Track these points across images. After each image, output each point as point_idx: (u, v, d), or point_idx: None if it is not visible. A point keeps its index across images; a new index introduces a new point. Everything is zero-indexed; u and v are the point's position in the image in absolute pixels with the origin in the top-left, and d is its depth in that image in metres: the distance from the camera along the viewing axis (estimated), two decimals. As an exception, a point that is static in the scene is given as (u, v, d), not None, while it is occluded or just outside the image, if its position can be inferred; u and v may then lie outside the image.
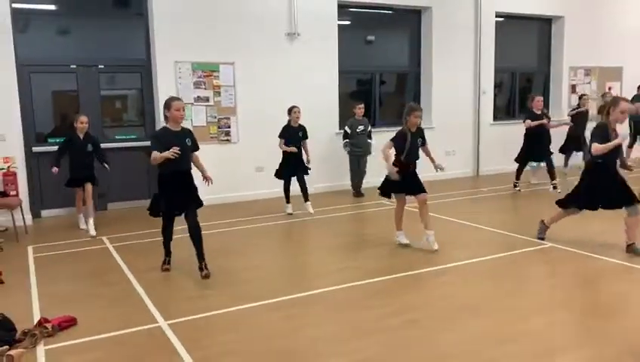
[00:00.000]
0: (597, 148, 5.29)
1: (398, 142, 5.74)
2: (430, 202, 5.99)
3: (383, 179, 6.01)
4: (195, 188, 5.19)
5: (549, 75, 12.46)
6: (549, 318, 4.05)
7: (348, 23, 10.09)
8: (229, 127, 8.87)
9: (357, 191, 9.20)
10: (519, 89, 12.24)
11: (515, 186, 9.25)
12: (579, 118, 10.52)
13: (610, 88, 12.58)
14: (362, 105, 9.16)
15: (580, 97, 11.00)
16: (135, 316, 4.25)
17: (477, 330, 3.87)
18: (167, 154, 4.80)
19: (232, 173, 8.63)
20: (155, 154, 4.91)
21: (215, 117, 8.75)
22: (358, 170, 9.20)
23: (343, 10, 9.78)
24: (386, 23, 10.65)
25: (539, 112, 9.07)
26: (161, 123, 8.23)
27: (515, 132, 10.76)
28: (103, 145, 7.55)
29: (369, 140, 9.05)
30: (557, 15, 11.96)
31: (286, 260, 6.05)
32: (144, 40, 8.48)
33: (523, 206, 8.46)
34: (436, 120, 10.56)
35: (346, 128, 9.06)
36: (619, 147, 5.49)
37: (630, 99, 11.37)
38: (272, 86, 8.96)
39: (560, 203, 5.91)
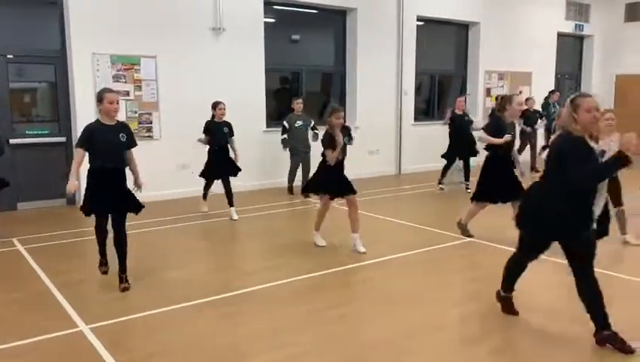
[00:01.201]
0: (485, 138, 5.91)
1: (324, 139, 5.67)
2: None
3: (309, 179, 5.99)
4: (129, 190, 4.81)
5: (465, 78, 13.07)
6: (466, 309, 4.26)
7: (273, 20, 10.06)
8: (151, 123, 8.57)
9: (291, 189, 9.19)
10: (438, 91, 12.77)
11: (439, 184, 9.54)
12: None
13: (521, 92, 13.39)
14: (301, 101, 9.14)
15: (527, 100, 11.68)
16: (54, 321, 4.00)
17: (401, 322, 4.00)
18: (68, 185, 4.53)
19: (154, 170, 8.22)
20: (75, 160, 4.62)
21: (136, 112, 8.43)
22: (297, 169, 9.15)
23: (268, 7, 9.73)
24: (312, 22, 10.73)
25: (460, 113, 9.48)
26: (78, 118, 7.91)
27: (435, 133, 11.23)
28: (11, 141, 7.04)
29: (315, 131, 8.85)
30: (473, 21, 12.57)
31: (214, 259, 5.94)
32: (58, 29, 8.01)
33: (444, 203, 8.82)
34: (360, 119, 10.77)
35: (285, 123, 9.00)
36: (511, 144, 5.95)
37: (541, 104, 12.20)
38: (196, 81, 8.76)
39: (473, 198, 6.28)
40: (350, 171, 6.08)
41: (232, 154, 7.50)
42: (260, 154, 9.52)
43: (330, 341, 3.73)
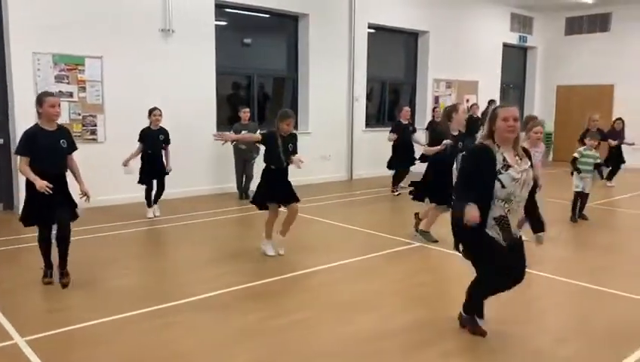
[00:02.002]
0: (427, 150, 6.27)
1: (267, 140, 5.55)
2: (308, 205, 6.07)
3: (255, 189, 5.83)
4: (69, 195, 4.63)
5: (415, 85, 13.30)
6: (417, 314, 4.28)
7: (225, 23, 9.93)
8: (96, 126, 8.27)
9: (244, 194, 9.05)
10: (389, 98, 12.95)
11: (393, 192, 9.68)
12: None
13: (468, 100, 13.77)
14: (247, 110, 9.06)
15: (472, 106, 12.00)
16: (-16, 334, 3.76)
17: (353, 328, 3.98)
18: (38, 186, 4.30)
19: (98, 174, 7.96)
20: (24, 168, 4.41)
21: (79, 114, 8.11)
22: (243, 173, 9.09)
23: (220, 10, 9.60)
24: (264, 26, 10.66)
25: (406, 122, 9.64)
26: (17, 120, 7.53)
27: (385, 139, 11.37)
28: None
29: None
30: (423, 30, 12.83)
31: (158, 267, 5.74)
32: (-4, 26, 7.63)
33: (394, 208, 8.92)
34: (312, 124, 10.78)
35: (232, 132, 8.88)
36: (453, 151, 6.15)
37: (481, 113, 12.52)
38: (144, 84, 8.52)
39: (414, 197, 6.48)
40: (301, 177, 6.05)
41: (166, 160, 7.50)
42: (211, 158, 9.37)
43: (280, 350, 3.66)
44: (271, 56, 10.92)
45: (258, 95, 10.64)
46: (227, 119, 10.04)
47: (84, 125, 8.15)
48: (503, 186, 3.41)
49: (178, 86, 8.79)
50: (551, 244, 6.39)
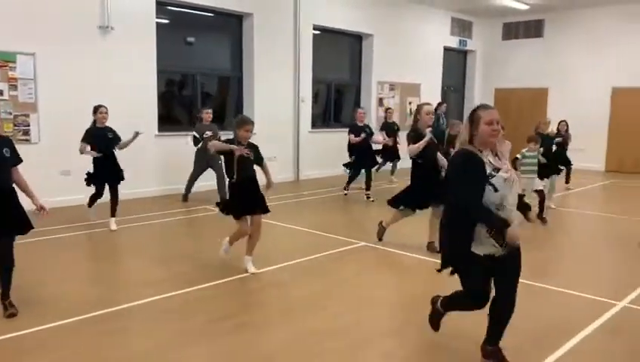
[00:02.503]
0: (411, 148, 5.93)
1: (225, 152, 5.16)
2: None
3: (225, 201, 5.43)
4: (19, 209, 4.22)
5: (360, 87, 13.46)
6: (363, 314, 4.33)
7: (167, 21, 9.71)
8: (29, 126, 7.89)
9: (186, 196, 8.89)
10: (334, 99, 13.05)
11: (345, 194, 9.66)
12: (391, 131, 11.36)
13: (410, 103, 14.06)
14: (210, 110, 8.80)
15: (386, 110, 11.99)
16: None
17: (298, 329, 3.98)
18: None
19: (32, 177, 7.58)
20: None
21: (10, 113, 7.71)
22: (198, 178, 8.88)
23: (161, 8, 9.38)
24: (208, 25, 10.49)
25: (361, 124, 9.59)
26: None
27: (331, 140, 11.45)
28: None
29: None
30: (367, 33, 13.00)
31: (98, 272, 5.55)
32: None
33: (340, 208, 8.97)
34: (258, 125, 10.60)
35: (195, 134, 8.64)
36: (434, 148, 6.10)
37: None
38: (81, 82, 8.20)
39: (390, 202, 6.30)
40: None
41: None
42: (153, 159, 9.13)
43: (226, 353, 3.61)
44: (215, 56, 10.76)
45: (202, 95, 10.46)
46: (170, 118, 9.82)
47: (15, 125, 7.75)
48: (495, 190, 3.11)
49: (117, 85, 8.51)
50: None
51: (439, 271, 3.43)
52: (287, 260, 5.67)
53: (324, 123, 12.80)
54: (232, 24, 10.73)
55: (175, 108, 10.43)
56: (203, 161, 8.64)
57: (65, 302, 4.40)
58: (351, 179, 9.75)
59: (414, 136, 6.00)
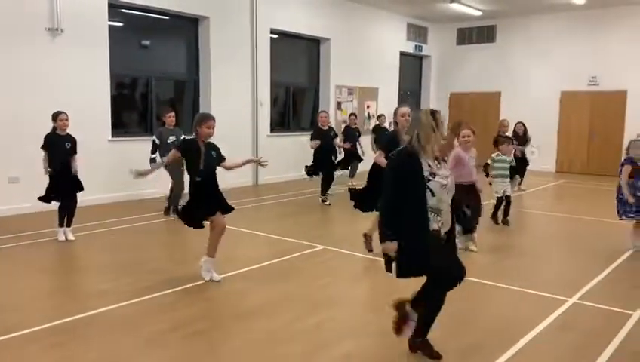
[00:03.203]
0: (380, 161, 5.56)
1: (187, 150, 5.03)
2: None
3: (185, 206, 5.22)
4: None
5: (318, 91, 13.50)
6: (322, 316, 4.33)
7: (121, 24, 9.50)
8: (-26, 132, 7.56)
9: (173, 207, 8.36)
10: (293, 103, 13.04)
11: (324, 201, 9.41)
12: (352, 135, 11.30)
13: (368, 107, 14.20)
14: (173, 114, 8.25)
15: (350, 116, 11.93)
16: None
17: (254, 335, 3.94)
18: None
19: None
20: None
21: (-46, 119, 7.38)
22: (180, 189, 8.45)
23: (114, 10, 9.16)
24: (163, 28, 10.32)
25: (325, 128, 9.53)
26: None
27: (290, 143, 11.44)
28: None
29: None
30: (324, 37, 13.06)
31: (49, 283, 5.34)
32: None
33: (299, 213, 8.94)
34: (216, 129, 10.51)
35: (155, 139, 8.02)
36: None
37: (371, 128, 12.49)
38: (29, 86, 7.91)
39: (359, 207, 6.07)
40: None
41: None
42: (106, 165, 8.88)
43: None
44: (171, 59, 10.59)
45: (157, 99, 10.27)
46: (123, 124, 9.60)
47: (-41, 131, 7.41)
48: (432, 194, 3.27)
49: (68, 88, 8.26)
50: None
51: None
52: (246, 265, 5.61)
53: (283, 127, 12.78)
54: (188, 27, 10.59)
55: (129, 113, 10.20)
56: (176, 169, 7.73)
57: (14, 315, 4.22)
58: (323, 186, 9.44)
59: (389, 142, 5.52)
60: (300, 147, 11.02)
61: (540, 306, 4.60)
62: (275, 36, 11.98)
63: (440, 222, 3.35)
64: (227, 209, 5.22)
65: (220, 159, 5.24)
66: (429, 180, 3.28)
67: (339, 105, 13.59)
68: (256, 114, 11.46)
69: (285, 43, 12.44)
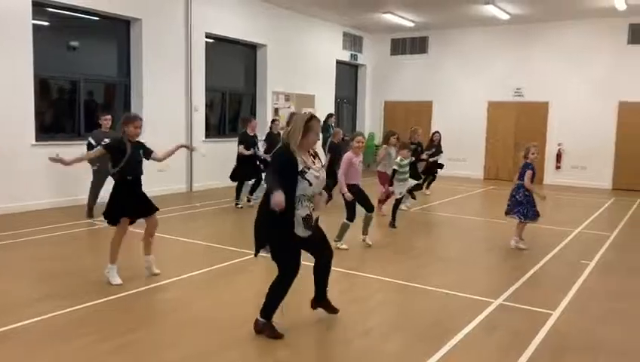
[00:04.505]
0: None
1: (114, 148, 5.08)
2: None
3: (107, 203, 5.22)
4: None
5: (255, 97, 13.44)
6: (247, 329, 4.28)
7: (47, 24, 9.08)
8: None
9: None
10: (229, 109, 12.91)
11: (236, 205, 9.51)
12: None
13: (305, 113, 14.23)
14: (109, 117, 8.22)
15: (273, 121, 11.95)
16: None
17: (197, 343, 3.87)
18: None
19: None
20: None
21: None
22: (101, 189, 8.23)
23: (39, 9, 8.74)
24: (93, 29, 9.94)
25: (253, 134, 9.59)
26: None
27: (226, 149, 11.29)
28: None
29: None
30: (261, 43, 13.03)
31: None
32: None
33: (235, 220, 8.86)
34: (147, 134, 10.20)
35: (90, 140, 8.02)
36: (338, 158, 6.66)
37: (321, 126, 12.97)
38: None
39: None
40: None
41: None
42: (30, 171, 8.43)
43: (109, 375, 3.40)
44: (101, 61, 10.22)
45: (86, 102, 9.88)
46: (49, 127, 9.16)
47: None
48: (310, 184, 3.81)
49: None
50: (372, 248, 6.90)
51: (255, 256, 3.97)
52: (178, 274, 5.49)
53: (219, 132, 12.62)
54: (120, 29, 10.26)
55: (56, 116, 9.75)
56: (101, 174, 7.99)
57: None
58: (238, 190, 9.60)
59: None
60: (235, 153, 10.88)
61: (467, 308, 4.78)
62: (211, 41, 11.84)
63: (312, 207, 3.87)
64: (152, 209, 5.26)
65: (147, 154, 5.30)
66: (305, 172, 3.80)
67: (276, 111, 13.58)
68: (190, 119, 11.25)
69: (221, 48, 12.32)
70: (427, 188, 11.64)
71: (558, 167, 14.44)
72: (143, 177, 5.30)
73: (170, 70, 10.78)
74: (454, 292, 5.17)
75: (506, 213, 7.12)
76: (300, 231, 3.84)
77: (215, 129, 12.58)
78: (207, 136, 11.84)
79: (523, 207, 6.88)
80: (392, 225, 8.12)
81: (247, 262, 6.10)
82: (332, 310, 4.35)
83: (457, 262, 6.48)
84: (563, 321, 4.50)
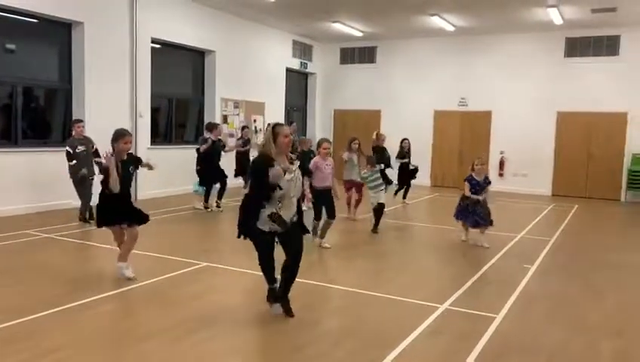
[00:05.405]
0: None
1: (105, 173, 5.25)
2: (89, 229, 5.56)
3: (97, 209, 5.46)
4: None
5: (203, 103, 13.24)
6: (202, 336, 4.19)
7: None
8: None
9: (85, 217, 8.26)
10: (176, 115, 12.65)
11: (206, 208, 9.81)
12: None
13: (255, 120, 14.19)
14: (82, 123, 8.37)
15: (243, 128, 12.17)
16: None
17: (137, 357, 3.72)
18: None
19: None
20: None
21: None
22: (85, 194, 8.25)
23: (-28, 8, 8.32)
24: (32, 32, 9.53)
25: (215, 139, 9.76)
26: None
27: (173, 157, 11.07)
28: None
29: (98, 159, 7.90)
30: (209, 49, 12.87)
31: None
32: None
33: (182, 230, 8.64)
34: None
35: (67, 148, 8.13)
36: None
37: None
38: None
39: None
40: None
41: None
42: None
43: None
44: (40, 66, 9.80)
45: (24, 108, 9.44)
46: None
47: None
48: (280, 188, 4.26)
49: None
50: (330, 254, 6.91)
51: (238, 237, 4.50)
52: (122, 286, 5.29)
53: (166, 139, 12.34)
54: (61, 32, 9.88)
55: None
56: (80, 179, 8.21)
57: None
58: (207, 194, 9.89)
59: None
60: (183, 160, 10.67)
61: (414, 313, 4.84)
62: (158, 46, 11.59)
63: (279, 207, 4.31)
64: (141, 219, 5.53)
65: (138, 165, 5.61)
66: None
67: (225, 118, 13.42)
68: (135, 125, 10.95)
69: (168, 53, 12.08)
70: (404, 197, 11.70)
71: (500, 175, 14.91)
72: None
73: (114, 75, 10.47)
74: (402, 299, 5.22)
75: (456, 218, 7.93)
76: (264, 225, 4.35)
77: (162, 136, 12.29)
78: (153, 143, 11.55)
79: (465, 213, 7.68)
80: (375, 230, 8.34)
81: (194, 272, 5.96)
82: (288, 312, 4.52)
83: (406, 268, 6.55)
84: (506, 324, 4.61)
